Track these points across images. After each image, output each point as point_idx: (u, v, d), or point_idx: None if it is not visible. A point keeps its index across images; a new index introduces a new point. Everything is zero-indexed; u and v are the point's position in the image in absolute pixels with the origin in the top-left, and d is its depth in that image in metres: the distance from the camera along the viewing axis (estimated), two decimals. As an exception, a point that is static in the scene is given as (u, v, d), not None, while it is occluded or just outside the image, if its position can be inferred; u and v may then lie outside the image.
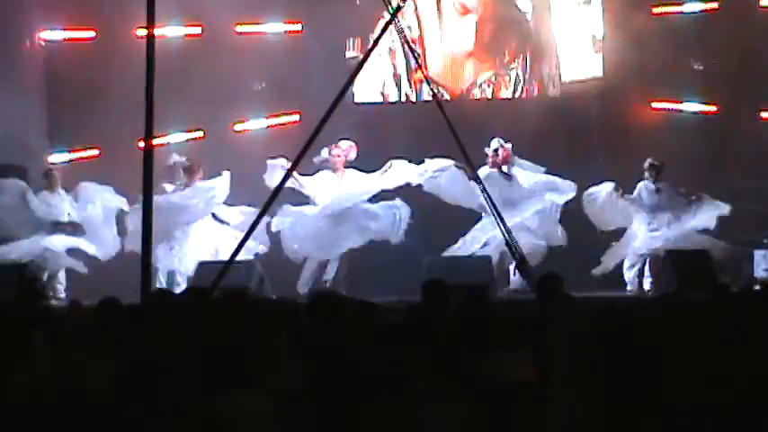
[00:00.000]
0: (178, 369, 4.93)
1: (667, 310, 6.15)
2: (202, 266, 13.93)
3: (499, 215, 11.19)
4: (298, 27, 16.45)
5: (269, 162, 14.29)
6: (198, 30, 16.39)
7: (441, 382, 4.96)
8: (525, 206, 14.48)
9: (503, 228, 10.99)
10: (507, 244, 11.38)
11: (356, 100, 16.19)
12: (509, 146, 14.71)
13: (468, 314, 6.47)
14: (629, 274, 14.70)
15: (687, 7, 16.17)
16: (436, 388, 4.88)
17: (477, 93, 16.63)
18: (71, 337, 5.55)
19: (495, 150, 14.60)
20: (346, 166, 14.64)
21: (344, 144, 14.60)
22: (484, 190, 12.00)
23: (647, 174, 14.55)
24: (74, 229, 14.54)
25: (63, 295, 14.27)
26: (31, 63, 16.40)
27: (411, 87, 16.58)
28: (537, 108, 16.02)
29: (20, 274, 13.38)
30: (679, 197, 14.47)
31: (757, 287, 10.35)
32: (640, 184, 14.59)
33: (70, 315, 6.90)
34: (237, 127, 16.32)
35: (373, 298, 7.78)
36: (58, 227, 14.51)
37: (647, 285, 14.55)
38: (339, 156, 14.54)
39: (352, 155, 14.65)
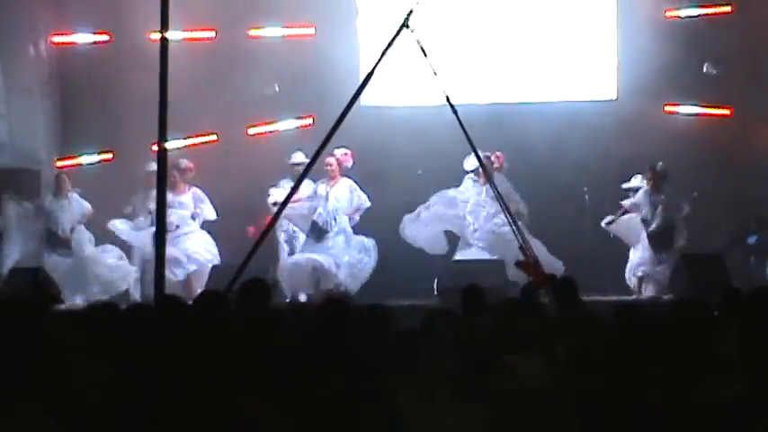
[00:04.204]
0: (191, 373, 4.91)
1: (681, 314, 6.13)
2: (215, 270, 13.98)
3: (514, 221, 11.18)
4: (311, 31, 16.45)
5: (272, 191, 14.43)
6: (211, 34, 16.41)
7: (460, 386, 4.94)
8: None
9: (517, 232, 10.99)
10: (521, 248, 11.36)
11: (364, 103, 16.00)
12: (500, 153, 14.66)
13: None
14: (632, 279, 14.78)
15: (701, 11, 16.14)
16: (456, 392, 4.87)
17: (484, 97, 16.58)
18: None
19: (487, 158, 14.49)
20: (342, 175, 14.56)
21: (338, 152, 14.42)
22: (496, 191, 12.01)
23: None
24: (63, 248, 14.62)
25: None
26: (45, 67, 16.43)
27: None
28: (549, 114, 16.01)
29: (34, 276, 13.43)
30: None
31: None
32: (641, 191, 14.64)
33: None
34: (251, 131, 16.31)
35: (384, 302, 7.77)
36: (50, 241, 14.60)
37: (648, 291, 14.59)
38: (332, 164, 14.41)
39: (348, 163, 14.56)
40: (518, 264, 11.01)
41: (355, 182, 14.55)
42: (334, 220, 14.34)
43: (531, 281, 9.71)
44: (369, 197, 14.52)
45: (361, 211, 14.51)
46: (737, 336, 5.12)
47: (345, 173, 14.55)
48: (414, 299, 13.24)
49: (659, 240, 14.43)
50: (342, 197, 14.41)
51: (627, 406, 4.72)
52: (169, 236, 14.16)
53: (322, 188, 14.44)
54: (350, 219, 14.45)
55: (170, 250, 14.05)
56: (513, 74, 16.55)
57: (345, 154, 14.48)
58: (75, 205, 14.69)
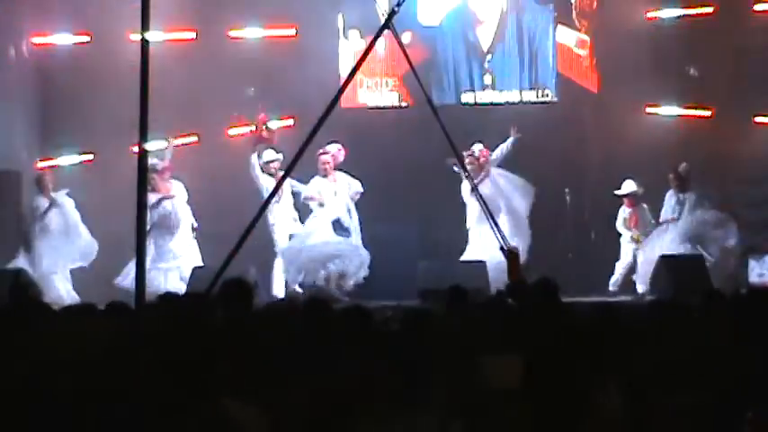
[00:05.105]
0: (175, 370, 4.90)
1: (662, 315, 6.15)
2: (196, 271, 13.94)
3: (494, 221, 11.19)
4: (292, 32, 16.43)
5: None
6: (192, 35, 16.36)
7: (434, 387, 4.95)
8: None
9: (498, 234, 10.99)
10: (502, 249, 11.37)
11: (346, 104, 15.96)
12: (483, 148, 14.70)
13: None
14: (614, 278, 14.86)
15: (682, 12, 16.18)
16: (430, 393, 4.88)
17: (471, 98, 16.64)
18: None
19: (472, 154, 14.54)
20: (336, 169, 14.59)
21: (332, 147, 14.53)
22: (477, 191, 12.03)
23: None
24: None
25: (67, 299, 14.24)
26: (23, 68, 16.33)
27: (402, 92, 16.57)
28: (531, 113, 16.03)
29: (15, 278, 13.39)
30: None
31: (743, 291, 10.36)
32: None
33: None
34: (231, 131, 16.27)
35: (366, 303, 7.78)
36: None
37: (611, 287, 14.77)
38: (328, 161, 14.47)
39: (341, 157, 14.60)
40: (509, 253, 10.96)
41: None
42: (349, 212, 14.43)
43: (512, 279, 9.70)
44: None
45: (358, 196, 14.61)
46: (720, 337, 5.16)
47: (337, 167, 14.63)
48: (395, 300, 13.24)
49: (690, 239, 14.51)
50: (345, 191, 14.49)
51: (600, 407, 4.73)
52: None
53: (327, 186, 14.48)
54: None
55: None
56: (493, 71, 16.62)
57: (339, 149, 14.55)
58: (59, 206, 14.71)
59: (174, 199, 14.68)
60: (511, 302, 8.12)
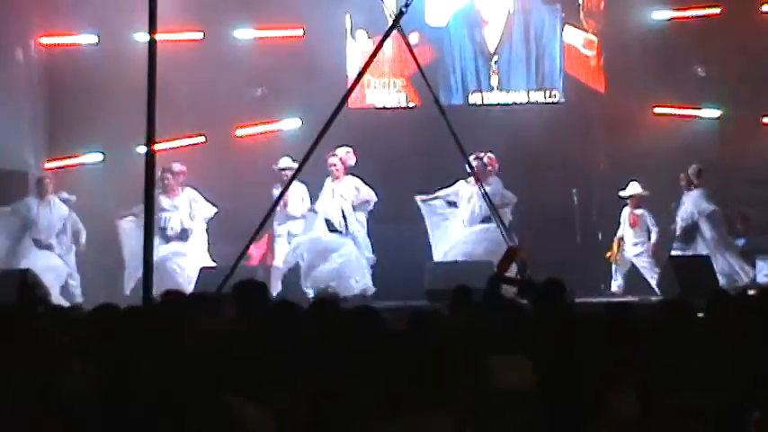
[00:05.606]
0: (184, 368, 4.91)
1: (671, 315, 6.15)
2: (203, 272, 13.94)
3: (502, 222, 11.20)
4: (299, 32, 16.43)
5: None
6: (199, 35, 16.37)
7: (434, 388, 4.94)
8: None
9: (505, 234, 11.00)
10: (510, 249, 11.37)
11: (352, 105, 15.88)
12: (492, 156, 14.64)
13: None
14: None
15: (690, 12, 16.18)
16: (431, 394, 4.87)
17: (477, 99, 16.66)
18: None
19: (479, 159, 14.41)
20: (347, 173, 14.52)
21: (341, 151, 14.44)
22: (485, 193, 12.01)
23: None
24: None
25: (79, 300, 14.25)
26: (32, 68, 16.34)
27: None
28: (538, 114, 16.04)
29: (22, 279, 13.39)
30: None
31: (752, 292, 10.36)
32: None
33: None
34: (239, 132, 16.28)
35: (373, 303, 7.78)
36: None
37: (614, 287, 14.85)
38: (336, 165, 14.39)
39: (351, 161, 14.51)
40: (507, 248, 10.95)
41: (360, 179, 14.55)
42: (344, 219, 14.33)
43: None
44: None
45: (370, 205, 14.47)
46: (728, 337, 5.16)
47: (350, 171, 14.53)
48: (402, 300, 13.25)
49: (682, 238, 14.63)
50: (347, 195, 14.37)
51: (613, 407, 4.73)
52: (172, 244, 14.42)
53: (328, 187, 14.42)
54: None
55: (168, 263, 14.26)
56: (500, 72, 16.63)
57: (348, 152, 14.47)
58: (56, 210, 14.67)
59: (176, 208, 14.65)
60: (503, 295, 8.16)
